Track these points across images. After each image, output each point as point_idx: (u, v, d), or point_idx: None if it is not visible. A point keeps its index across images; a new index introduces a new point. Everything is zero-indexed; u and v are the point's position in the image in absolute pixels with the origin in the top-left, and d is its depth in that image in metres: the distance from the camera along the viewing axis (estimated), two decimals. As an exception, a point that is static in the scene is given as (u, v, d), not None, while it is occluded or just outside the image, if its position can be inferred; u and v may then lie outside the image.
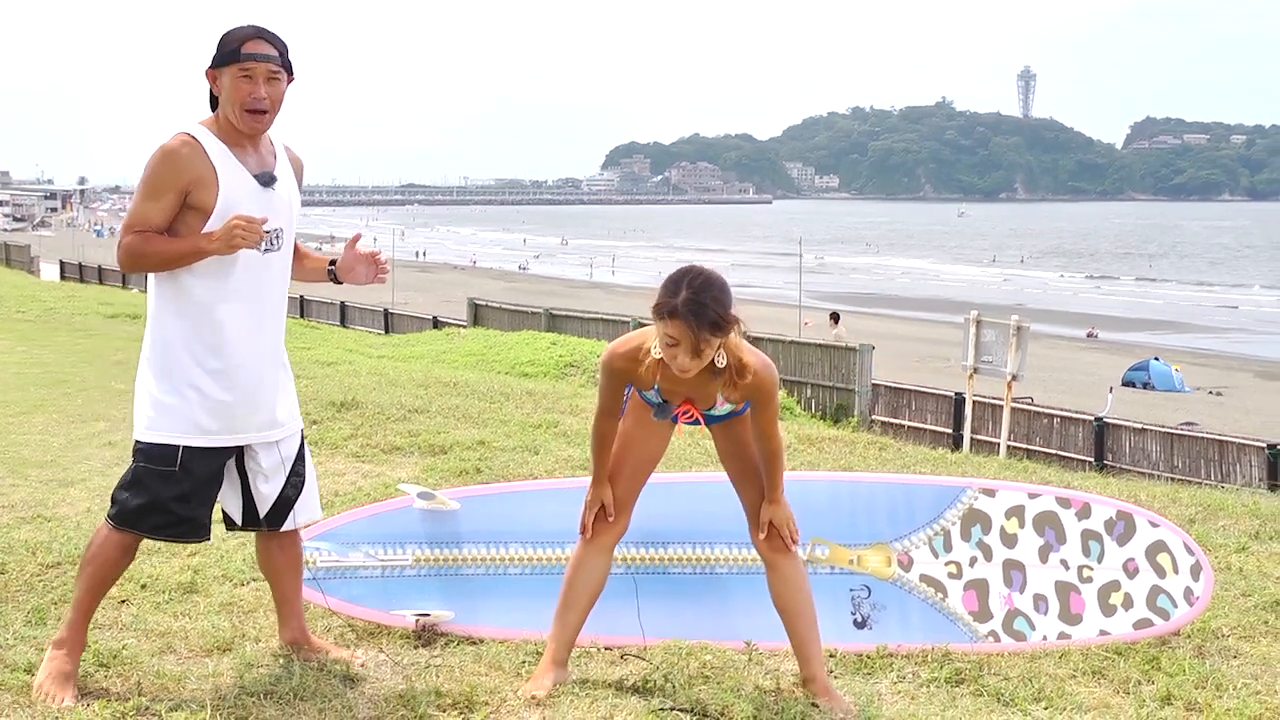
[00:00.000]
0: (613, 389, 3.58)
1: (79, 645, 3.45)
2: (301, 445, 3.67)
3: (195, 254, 3.33)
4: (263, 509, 3.59)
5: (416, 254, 79.79)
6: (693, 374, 3.38)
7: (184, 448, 3.37)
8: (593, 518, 3.68)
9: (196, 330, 3.39)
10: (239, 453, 3.52)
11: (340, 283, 3.76)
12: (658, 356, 3.41)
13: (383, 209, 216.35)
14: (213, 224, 3.34)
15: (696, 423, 3.61)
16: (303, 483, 3.66)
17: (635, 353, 3.47)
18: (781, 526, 3.64)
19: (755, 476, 3.68)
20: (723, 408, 3.55)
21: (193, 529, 3.44)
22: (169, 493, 3.36)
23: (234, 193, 3.36)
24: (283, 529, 3.65)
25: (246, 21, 3.49)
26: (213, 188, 3.34)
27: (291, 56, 3.48)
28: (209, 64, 3.42)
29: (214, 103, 3.46)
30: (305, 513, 3.69)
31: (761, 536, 3.66)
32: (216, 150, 3.37)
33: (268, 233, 3.38)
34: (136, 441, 3.43)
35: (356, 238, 3.78)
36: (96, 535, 3.48)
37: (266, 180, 3.44)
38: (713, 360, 3.36)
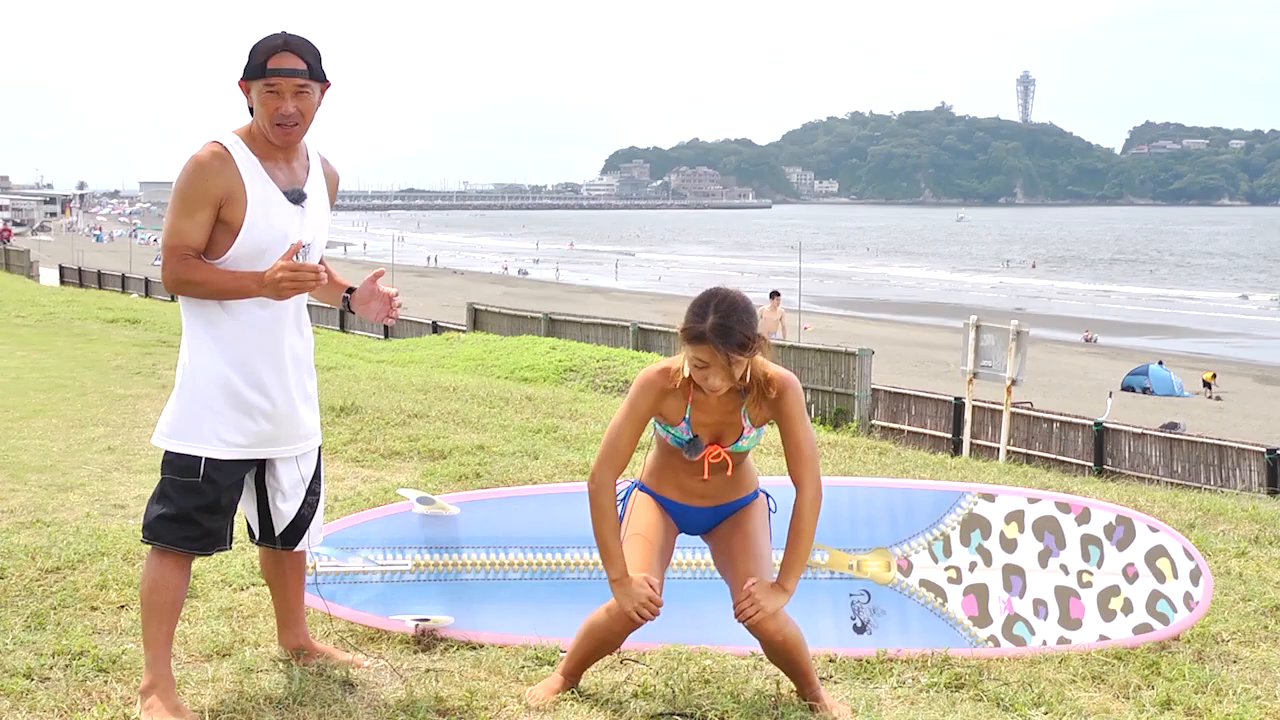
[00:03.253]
0: (639, 413, 3.49)
1: (168, 680, 3.32)
2: (318, 464, 3.64)
3: (242, 293, 3.30)
4: (279, 526, 3.56)
5: (428, 259, 79.76)
6: (723, 392, 3.42)
7: (206, 459, 3.33)
8: (647, 615, 3.45)
9: (223, 344, 3.34)
10: (259, 468, 3.49)
11: (353, 312, 3.70)
12: (688, 376, 3.44)
13: (383, 214, 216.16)
14: (240, 242, 3.30)
15: (725, 466, 3.54)
16: (318, 502, 3.64)
17: (668, 371, 3.50)
18: (757, 606, 3.40)
19: (752, 557, 3.55)
20: (749, 435, 3.55)
21: (216, 540, 3.40)
22: (193, 503, 3.32)
23: (261, 209, 3.32)
24: (296, 549, 3.64)
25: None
26: (241, 204, 3.29)
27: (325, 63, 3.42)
28: (241, 75, 3.38)
29: (253, 110, 3.41)
30: (318, 533, 3.69)
31: (739, 600, 3.45)
32: (247, 163, 3.32)
33: (321, 277, 3.34)
34: (164, 452, 3.39)
35: (379, 274, 3.68)
36: (146, 567, 3.41)
37: (295, 198, 3.39)
38: (741, 378, 3.41)
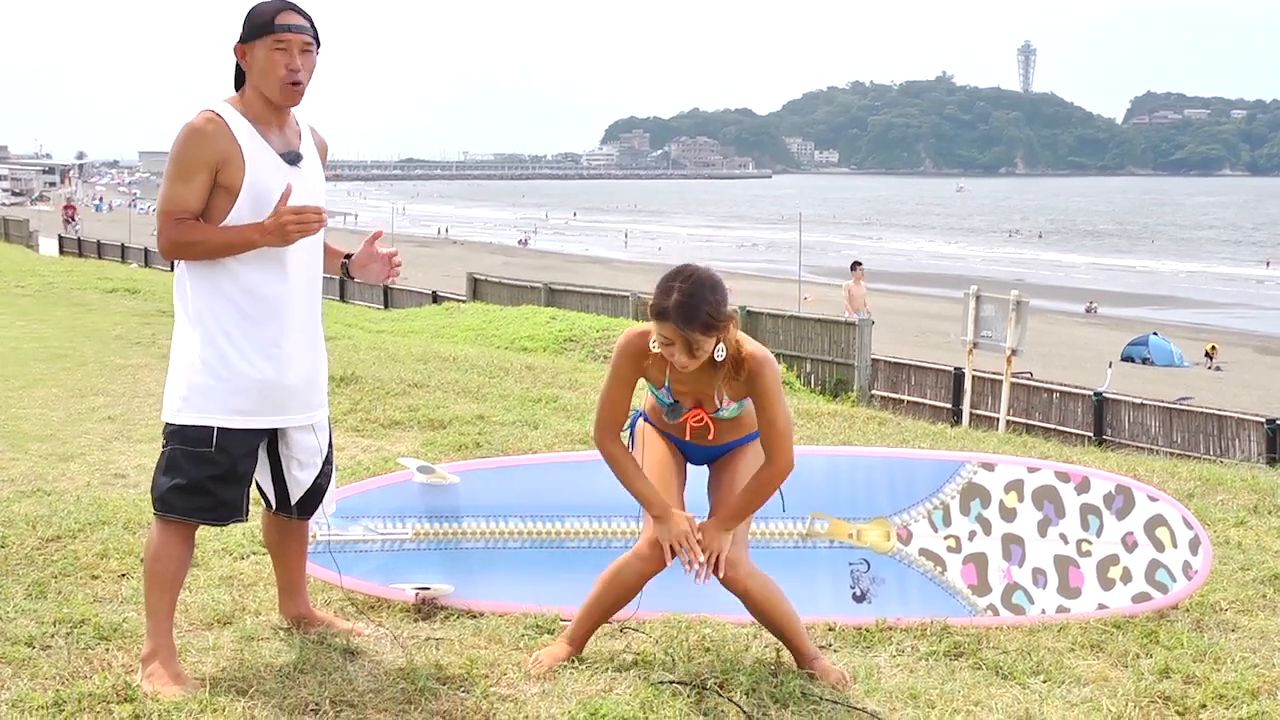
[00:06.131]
0: (625, 377, 3.52)
1: (169, 649, 3.33)
2: (330, 433, 3.62)
3: (244, 246, 3.27)
4: (295, 495, 3.55)
5: (439, 230, 79.49)
6: (691, 369, 3.40)
7: (219, 429, 3.31)
8: (682, 553, 3.48)
9: (227, 312, 3.32)
10: (271, 437, 3.47)
11: (353, 278, 3.69)
12: (658, 351, 3.42)
13: (379, 184, 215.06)
14: (240, 204, 3.28)
15: (705, 430, 3.57)
16: (332, 471, 3.63)
17: (647, 335, 3.47)
18: (704, 548, 3.45)
19: (727, 498, 3.59)
20: (729, 407, 3.55)
21: (231, 510, 3.38)
22: (206, 473, 3.30)
23: (260, 172, 3.30)
24: (312, 518, 3.63)
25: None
26: (239, 167, 3.27)
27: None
28: (238, 39, 3.35)
29: (238, 81, 3.38)
30: (330, 503, 3.69)
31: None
32: (242, 128, 3.30)
33: (324, 219, 3.30)
34: (168, 424, 3.35)
35: (377, 235, 3.67)
36: (150, 536, 3.40)
37: (293, 159, 3.37)
38: (712, 354, 3.38)
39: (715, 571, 3.48)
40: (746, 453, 3.64)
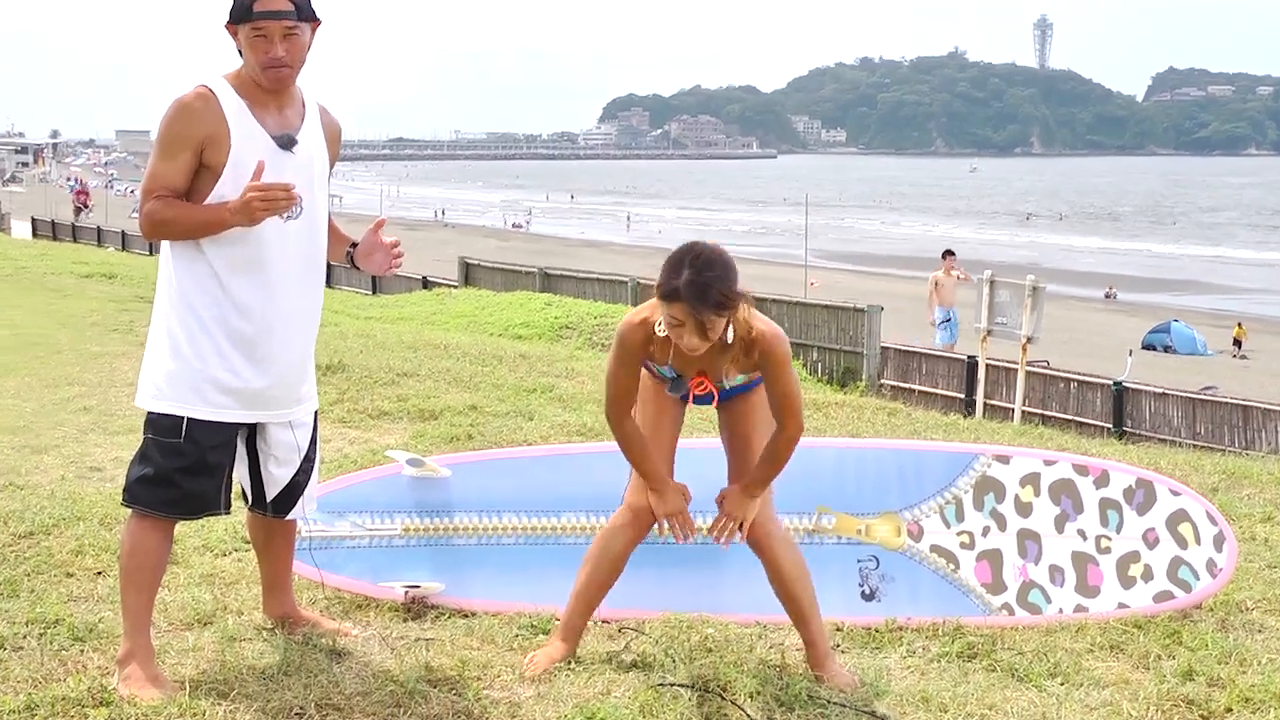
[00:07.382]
0: (630, 365, 3.48)
1: (147, 649, 3.27)
2: (314, 430, 3.56)
3: (218, 225, 3.20)
4: (270, 492, 3.50)
5: (435, 214, 79.48)
6: (701, 352, 3.34)
7: (189, 419, 3.25)
8: (676, 528, 3.54)
9: (207, 300, 3.26)
10: (251, 431, 3.42)
11: (357, 267, 3.63)
12: (664, 334, 3.37)
13: (368, 164, 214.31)
14: (222, 185, 3.21)
15: (710, 397, 3.54)
16: (313, 468, 3.58)
17: (648, 323, 3.42)
18: (728, 516, 3.50)
19: (743, 456, 3.59)
20: (735, 379, 3.51)
21: (202, 503, 3.32)
22: (174, 465, 3.25)
23: (246, 153, 3.22)
24: (289, 516, 3.58)
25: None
26: (223, 147, 3.21)
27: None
28: (227, 18, 3.28)
29: (241, 53, 3.32)
30: (312, 501, 3.63)
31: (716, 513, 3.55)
32: (233, 107, 3.24)
33: (294, 197, 3.20)
34: (146, 412, 3.31)
35: (380, 223, 3.64)
36: (125, 531, 3.36)
37: (285, 143, 3.30)
38: (722, 335, 3.32)
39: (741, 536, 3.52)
40: (754, 400, 3.57)
